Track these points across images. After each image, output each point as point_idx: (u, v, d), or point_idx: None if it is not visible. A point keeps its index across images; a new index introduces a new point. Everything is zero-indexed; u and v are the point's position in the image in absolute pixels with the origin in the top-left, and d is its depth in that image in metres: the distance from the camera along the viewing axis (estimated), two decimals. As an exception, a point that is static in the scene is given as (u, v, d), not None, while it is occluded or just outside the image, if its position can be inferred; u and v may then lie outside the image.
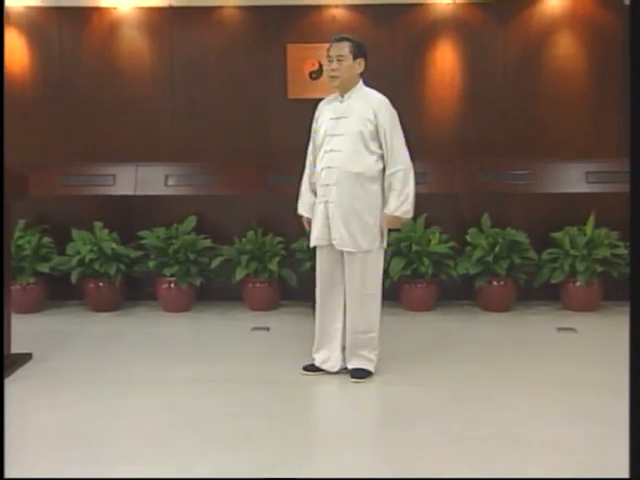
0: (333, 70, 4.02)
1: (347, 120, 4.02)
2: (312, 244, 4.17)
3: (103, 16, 8.00)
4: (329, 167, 4.03)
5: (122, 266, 5.73)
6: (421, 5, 7.91)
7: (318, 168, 4.09)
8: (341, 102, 4.09)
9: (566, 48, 7.91)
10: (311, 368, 4.22)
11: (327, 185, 4.04)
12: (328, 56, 4.05)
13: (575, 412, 3.64)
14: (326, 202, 4.05)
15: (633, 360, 2.47)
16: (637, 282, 2.55)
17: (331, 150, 4.03)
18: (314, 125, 4.19)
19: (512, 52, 7.91)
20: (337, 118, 4.05)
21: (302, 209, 4.27)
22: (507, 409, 3.71)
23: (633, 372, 2.47)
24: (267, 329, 5.29)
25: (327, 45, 4.07)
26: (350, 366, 4.18)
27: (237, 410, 3.74)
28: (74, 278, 5.65)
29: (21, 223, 5.83)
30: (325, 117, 4.10)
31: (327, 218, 4.05)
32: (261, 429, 3.47)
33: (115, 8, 8.00)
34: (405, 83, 7.76)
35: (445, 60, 7.91)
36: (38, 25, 7.99)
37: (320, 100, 4.27)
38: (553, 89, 7.89)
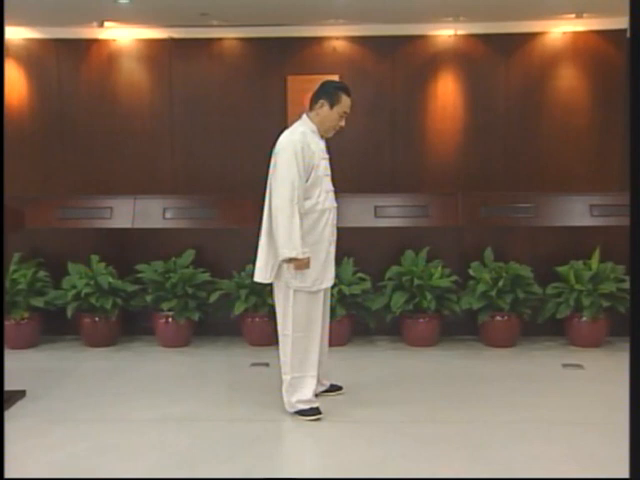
0: (341, 127, 4.17)
1: (327, 162, 4.18)
2: (328, 284, 4.18)
3: (102, 48, 8.09)
4: (335, 207, 4.18)
5: (119, 300, 5.70)
6: (422, 37, 7.99)
7: (321, 207, 4.06)
8: (322, 142, 4.17)
9: (569, 81, 7.97)
10: (319, 410, 4.13)
11: (333, 225, 4.16)
12: (345, 112, 4.12)
13: (578, 455, 3.60)
14: (331, 242, 4.15)
15: (633, 359, 2.55)
16: (637, 312, 2.56)
17: (331, 190, 4.17)
18: (305, 157, 3.98)
19: (514, 85, 7.97)
20: (325, 159, 4.15)
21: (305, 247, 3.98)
22: (510, 449, 3.67)
23: (633, 372, 2.52)
24: (266, 365, 5.24)
25: (349, 100, 4.10)
26: (329, 382, 4.47)
27: (235, 450, 3.70)
28: (69, 313, 5.62)
29: (16, 256, 5.81)
30: (318, 156, 4.07)
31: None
32: (260, 469, 3.43)
33: (114, 40, 8.08)
34: (406, 115, 7.80)
35: (446, 92, 7.96)
36: (37, 57, 8.07)
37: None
38: (555, 122, 7.94)
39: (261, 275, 4.12)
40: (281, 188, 3.94)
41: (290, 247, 3.91)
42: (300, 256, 3.93)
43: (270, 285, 5.58)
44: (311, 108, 4.14)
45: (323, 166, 4.10)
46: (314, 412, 4.10)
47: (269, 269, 4.07)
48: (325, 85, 4.18)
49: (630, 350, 2.63)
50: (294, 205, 3.91)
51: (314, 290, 4.07)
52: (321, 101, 4.09)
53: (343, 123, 4.15)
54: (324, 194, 4.08)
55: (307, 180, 4.00)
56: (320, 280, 4.08)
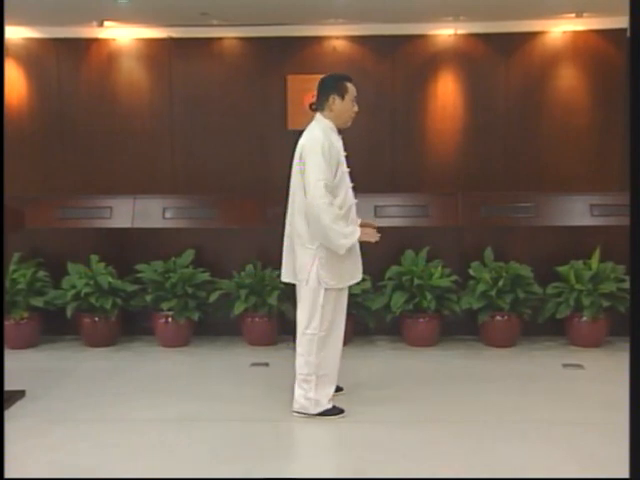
0: (356, 112, 4.20)
1: (344, 157, 4.18)
2: (358, 279, 4.25)
3: (102, 48, 8.08)
4: (355, 203, 4.19)
5: (118, 300, 5.70)
6: (422, 36, 7.99)
7: (349, 203, 4.12)
8: (340, 139, 4.19)
9: (569, 81, 7.97)
10: (341, 409, 4.18)
11: (355, 221, 4.19)
12: (355, 97, 4.18)
13: (579, 455, 3.61)
14: None
15: (633, 359, 2.65)
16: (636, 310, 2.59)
17: (353, 187, 4.19)
18: (332, 154, 4.03)
19: (514, 84, 7.96)
20: (344, 155, 4.17)
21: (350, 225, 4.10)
22: (510, 449, 3.67)
23: (633, 372, 2.62)
24: (266, 365, 5.25)
25: (354, 85, 4.18)
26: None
27: (235, 450, 3.70)
28: (69, 313, 5.62)
29: (16, 256, 5.81)
30: (340, 153, 4.13)
31: None
32: (260, 470, 3.43)
33: (114, 39, 8.08)
34: (406, 115, 7.80)
35: (446, 92, 7.97)
36: (36, 57, 8.07)
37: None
38: (556, 121, 7.93)
39: (303, 277, 4.09)
40: (315, 189, 3.95)
41: (346, 236, 3.98)
42: (358, 234, 4.03)
43: (268, 285, 5.63)
44: (321, 108, 4.16)
45: (343, 161, 4.15)
46: (339, 411, 4.15)
47: (308, 270, 4.07)
48: (326, 81, 4.20)
49: (630, 350, 2.65)
50: (331, 202, 3.95)
51: (342, 287, 4.14)
52: (331, 96, 4.12)
53: (357, 108, 4.20)
54: (348, 190, 4.15)
55: (335, 177, 4.04)
56: (351, 275, 4.17)
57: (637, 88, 2.67)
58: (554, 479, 3.35)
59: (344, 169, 4.13)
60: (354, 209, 4.19)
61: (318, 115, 4.17)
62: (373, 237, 4.13)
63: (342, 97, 4.12)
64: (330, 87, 4.14)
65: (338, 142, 4.15)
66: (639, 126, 2.65)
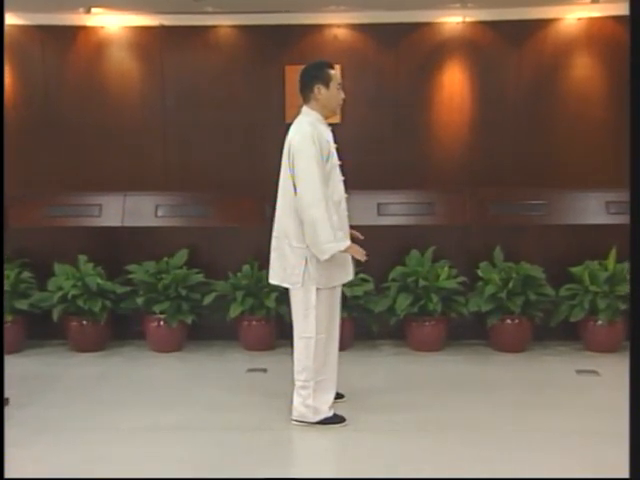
0: (343, 99, 4.25)
1: (335, 150, 4.22)
2: (350, 277, 4.28)
3: (90, 36, 8.09)
4: (346, 197, 4.22)
5: (108, 303, 5.72)
6: (428, 25, 7.99)
7: (338, 197, 4.14)
8: (329, 130, 4.22)
9: (584, 71, 7.97)
10: (343, 417, 4.21)
11: (347, 216, 4.23)
12: (340, 83, 4.21)
13: (592, 465, 3.62)
14: (346, 232, 4.18)
15: (633, 355, 2.66)
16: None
17: (341, 180, 4.20)
18: (322, 147, 4.06)
19: (526, 75, 7.97)
20: (334, 147, 4.20)
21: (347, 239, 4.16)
22: (520, 460, 3.70)
23: (633, 364, 2.64)
24: (264, 370, 5.27)
25: (337, 71, 4.22)
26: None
27: (231, 461, 3.73)
28: (56, 316, 5.64)
29: (-1, 257, 5.83)
30: (330, 144, 4.16)
31: None
32: (256, 481, 3.46)
33: (102, 27, 8.09)
34: (410, 107, 7.81)
35: (453, 84, 7.98)
36: (20, 45, 8.07)
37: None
38: (570, 114, 7.94)
39: (295, 279, 4.11)
40: (309, 184, 3.98)
41: (332, 241, 3.98)
42: (347, 243, 4.06)
43: (266, 287, 5.64)
44: (306, 100, 4.20)
45: (334, 154, 4.17)
46: (340, 419, 4.17)
47: (299, 272, 4.09)
48: (308, 71, 4.22)
49: (630, 349, 2.69)
50: (326, 198, 3.99)
51: (334, 285, 4.17)
52: (316, 87, 4.15)
53: (343, 94, 4.24)
54: (339, 183, 4.17)
55: (325, 169, 4.06)
56: (344, 273, 4.22)
57: (637, 87, 2.72)
58: (554, 479, 3.37)
59: (334, 161, 4.16)
60: (344, 203, 4.21)
61: (304, 108, 4.21)
62: (361, 255, 4.11)
63: (327, 85, 4.15)
64: (313, 77, 4.17)
65: (327, 133, 4.17)
66: (639, 125, 2.69)
